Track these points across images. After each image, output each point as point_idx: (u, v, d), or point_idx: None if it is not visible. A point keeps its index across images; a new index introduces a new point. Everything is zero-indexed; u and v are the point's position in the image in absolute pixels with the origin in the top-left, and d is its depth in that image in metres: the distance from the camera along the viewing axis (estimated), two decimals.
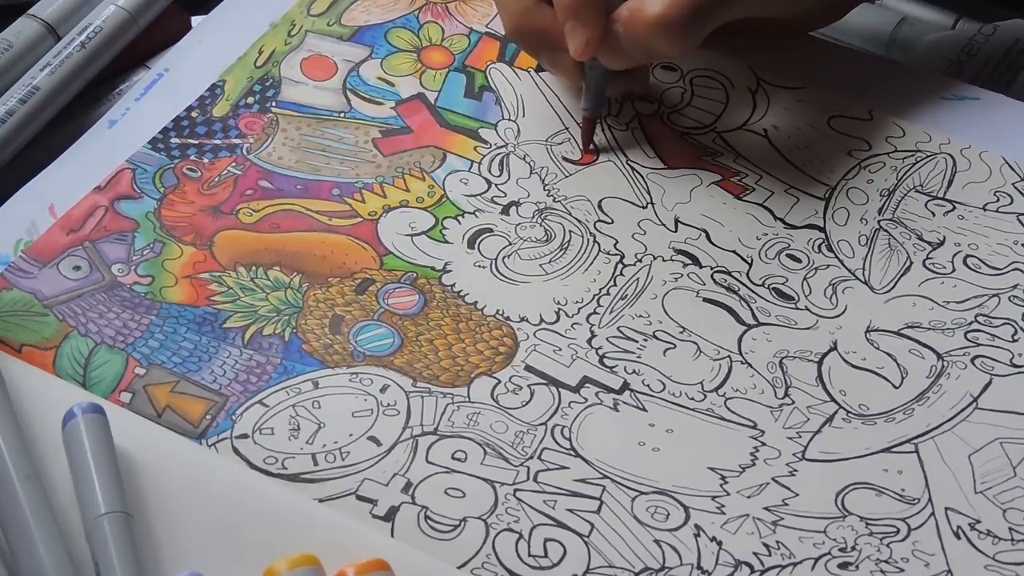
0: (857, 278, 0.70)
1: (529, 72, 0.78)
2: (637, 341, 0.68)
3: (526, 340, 0.68)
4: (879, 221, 0.72)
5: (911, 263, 0.71)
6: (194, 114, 0.75)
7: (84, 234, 0.70)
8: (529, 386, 0.66)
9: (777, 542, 0.62)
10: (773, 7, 0.75)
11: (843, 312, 0.69)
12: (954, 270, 0.71)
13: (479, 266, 0.70)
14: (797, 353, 0.68)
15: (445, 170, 0.74)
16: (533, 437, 0.64)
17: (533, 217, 0.72)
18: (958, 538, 0.62)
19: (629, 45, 0.71)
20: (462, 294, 0.69)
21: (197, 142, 0.74)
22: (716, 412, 0.65)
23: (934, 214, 0.73)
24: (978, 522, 0.62)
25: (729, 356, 0.67)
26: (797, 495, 0.63)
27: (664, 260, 0.71)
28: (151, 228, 0.71)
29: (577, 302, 0.69)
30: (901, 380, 0.67)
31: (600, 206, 0.73)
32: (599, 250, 0.71)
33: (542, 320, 0.68)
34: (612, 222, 0.72)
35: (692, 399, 0.66)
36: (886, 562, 0.61)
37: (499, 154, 0.75)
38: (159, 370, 0.66)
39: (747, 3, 0.72)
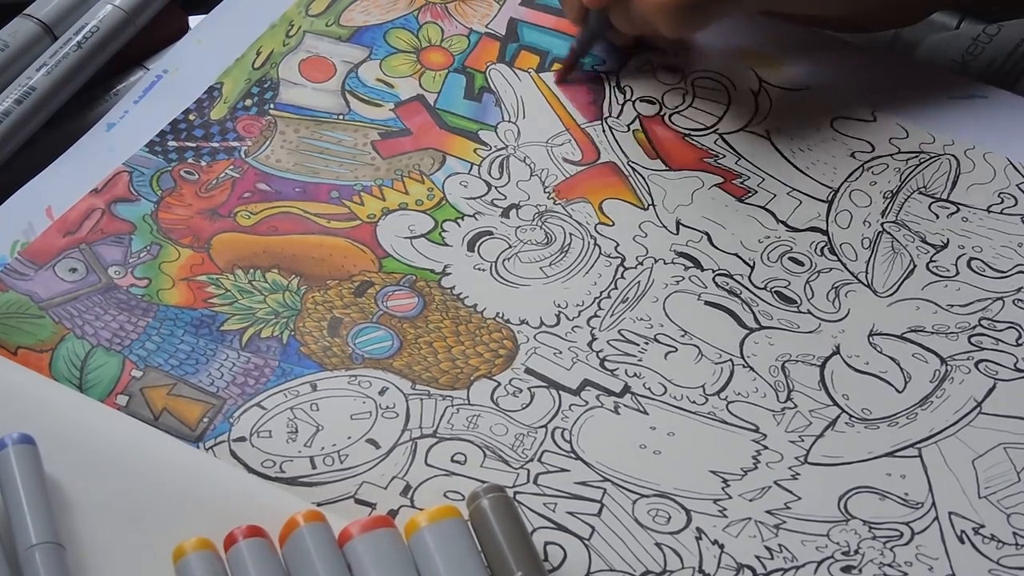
0: (860, 281, 0.70)
1: (529, 73, 0.77)
2: (638, 344, 0.67)
3: (526, 343, 0.67)
4: (882, 224, 0.72)
5: (914, 266, 0.71)
6: (191, 117, 0.75)
7: (81, 236, 0.70)
8: (529, 389, 0.66)
9: (779, 545, 0.61)
10: (791, 5, 0.76)
11: (846, 316, 0.69)
12: (958, 273, 0.70)
13: (479, 269, 0.70)
14: (799, 357, 0.67)
15: (444, 172, 0.73)
16: (533, 440, 0.64)
17: (533, 220, 0.72)
18: (962, 542, 0.62)
19: (636, 15, 0.73)
20: (462, 297, 0.69)
21: (195, 145, 0.74)
22: (718, 415, 0.65)
23: (938, 216, 0.72)
24: (982, 527, 0.62)
25: (731, 360, 0.67)
26: (799, 498, 0.63)
27: (665, 263, 0.70)
28: (148, 231, 0.70)
29: (578, 305, 0.69)
30: (904, 384, 0.66)
31: (601, 208, 0.72)
32: (600, 253, 0.71)
33: (542, 323, 0.68)
34: (613, 224, 0.72)
35: (694, 402, 0.65)
36: (889, 566, 0.61)
37: (499, 156, 0.74)
38: (156, 372, 0.65)
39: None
